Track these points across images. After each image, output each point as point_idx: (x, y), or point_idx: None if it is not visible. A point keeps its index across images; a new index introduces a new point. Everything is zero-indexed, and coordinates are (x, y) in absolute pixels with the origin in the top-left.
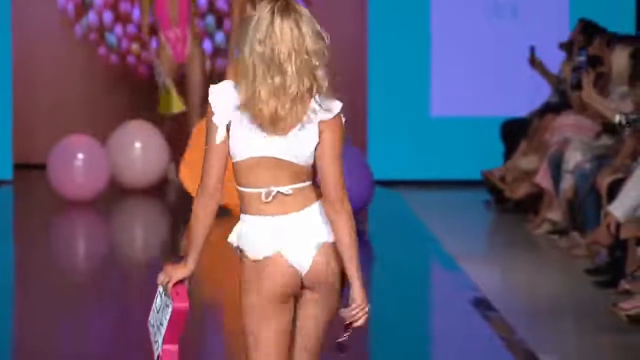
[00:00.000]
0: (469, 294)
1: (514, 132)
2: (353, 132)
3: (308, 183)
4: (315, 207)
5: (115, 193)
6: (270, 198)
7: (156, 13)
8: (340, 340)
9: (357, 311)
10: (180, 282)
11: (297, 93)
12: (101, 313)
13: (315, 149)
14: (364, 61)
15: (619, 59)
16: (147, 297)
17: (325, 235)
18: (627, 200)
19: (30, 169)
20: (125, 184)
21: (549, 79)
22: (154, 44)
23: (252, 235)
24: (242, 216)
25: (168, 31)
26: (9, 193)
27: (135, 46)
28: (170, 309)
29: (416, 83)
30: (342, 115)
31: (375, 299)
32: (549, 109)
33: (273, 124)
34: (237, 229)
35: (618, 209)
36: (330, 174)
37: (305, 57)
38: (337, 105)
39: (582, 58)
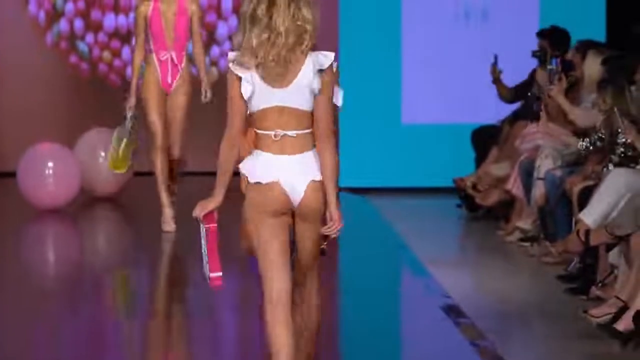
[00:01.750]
0: (439, 300)
1: (485, 139)
2: (338, 162)
3: (309, 130)
4: (312, 153)
5: (85, 200)
6: (278, 138)
7: (151, 32)
8: (321, 247)
9: (333, 226)
10: (211, 211)
11: (283, 46)
12: (73, 320)
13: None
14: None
15: (591, 66)
16: (116, 304)
17: (316, 174)
18: (598, 208)
19: None
20: (95, 191)
21: (500, 91)
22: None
23: (260, 165)
24: (255, 151)
25: (161, 53)
26: None
27: (106, 54)
28: (205, 233)
29: (387, 90)
30: (334, 65)
31: (346, 305)
32: (519, 117)
33: (270, 77)
34: (249, 161)
35: (589, 216)
36: (323, 112)
37: (299, 22)
38: (329, 56)
39: (554, 65)
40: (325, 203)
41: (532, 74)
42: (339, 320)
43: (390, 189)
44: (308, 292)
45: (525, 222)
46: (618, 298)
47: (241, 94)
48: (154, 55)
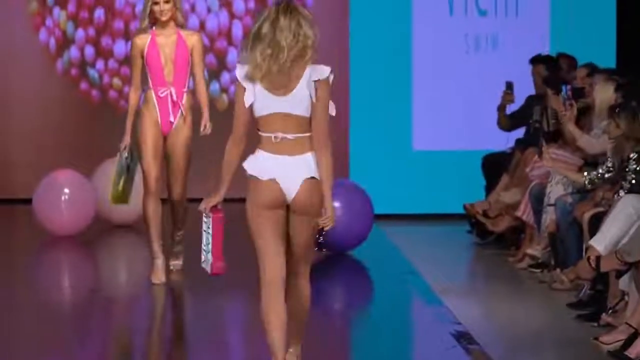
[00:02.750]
0: (450, 327)
1: (495, 166)
2: (333, 165)
3: (308, 134)
4: (309, 155)
5: (101, 227)
6: (278, 140)
7: (148, 66)
8: (320, 241)
9: (327, 219)
10: (215, 206)
11: (286, 60)
12: (86, 348)
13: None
14: (346, 94)
15: (602, 93)
16: (131, 331)
17: (311, 173)
18: (609, 234)
19: (9, 204)
20: (111, 218)
21: (501, 119)
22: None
23: (261, 164)
24: (257, 151)
25: (160, 89)
26: None
27: (116, 81)
28: (211, 222)
29: (398, 117)
30: (330, 77)
31: (356, 332)
32: (529, 144)
33: (273, 87)
34: (251, 159)
35: (600, 243)
36: (320, 118)
37: (300, 39)
38: (326, 70)
39: (564, 92)
40: (320, 200)
41: (529, 101)
42: (349, 346)
43: (400, 215)
44: (300, 281)
45: (535, 249)
46: (629, 325)
47: (244, 102)
48: (152, 92)
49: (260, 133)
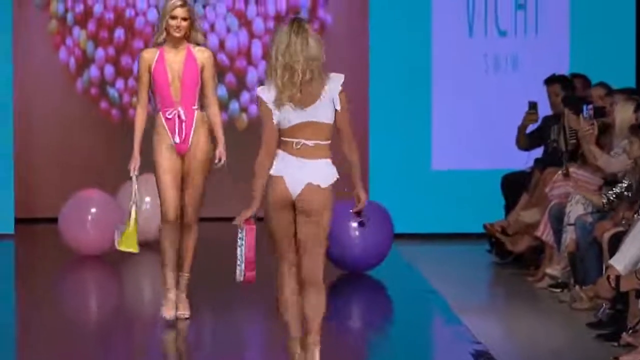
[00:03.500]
0: (469, 346)
1: (515, 185)
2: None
3: (327, 142)
4: (323, 162)
5: None
6: (299, 146)
7: (155, 84)
8: (358, 220)
9: (360, 205)
10: (248, 219)
11: (301, 83)
12: None
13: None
14: (365, 114)
15: (622, 112)
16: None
17: (318, 180)
18: (629, 254)
19: (32, 223)
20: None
21: (520, 138)
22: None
23: (277, 163)
24: (278, 151)
25: (167, 110)
26: (10, 248)
27: (135, 100)
28: (244, 234)
29: (417, 136)
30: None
31: (374, 352)
32: (548, 163)
33: (296, 104)
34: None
35: (619, 262)
36: (344, 123)
37: (310, 61)
38: (341, 78)
39: (586, 111)
40: (321, 206)
41: (546, 121)
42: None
43: (419, 234)
44: (308, 270)
45: (555, 269)
46: None
47: (272, 121)
48: (160, 115)
49: (282, 138)
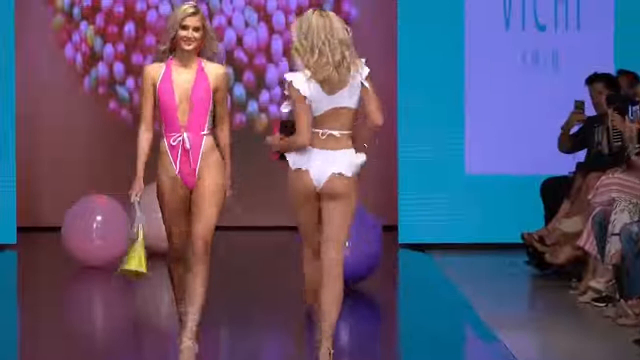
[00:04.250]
0: None
1: (555, 192)
2: (382, 192)
3: (350, 132)
4: (346, 151)
5: None
6: (325, 136)
7: (159, 105)
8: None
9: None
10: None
11: (332, 65)
12: None
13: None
14: (393, 114)
15: None
16: None
17: (341, 169)
18: None
19: (35, 232)
20: (148, 247)
21: (563, 139)
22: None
23: (302, 156)
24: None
25: (172, 136)
26: (13, 259)
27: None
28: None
29: (450, 138)
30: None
31: None
32: (591, 167)
33: (328, 87)
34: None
35: None
36: (372, 103)
37: (336, 42)
38: (363, 62)
39: (633, 111)
40: (345, 191)
41: (589, 122)
42: None
43: (453, 244)
44: (332, 229)
45: (598, 282)
46: None
47: (306, 105)
48: (164, 142)
49: (312, 130)
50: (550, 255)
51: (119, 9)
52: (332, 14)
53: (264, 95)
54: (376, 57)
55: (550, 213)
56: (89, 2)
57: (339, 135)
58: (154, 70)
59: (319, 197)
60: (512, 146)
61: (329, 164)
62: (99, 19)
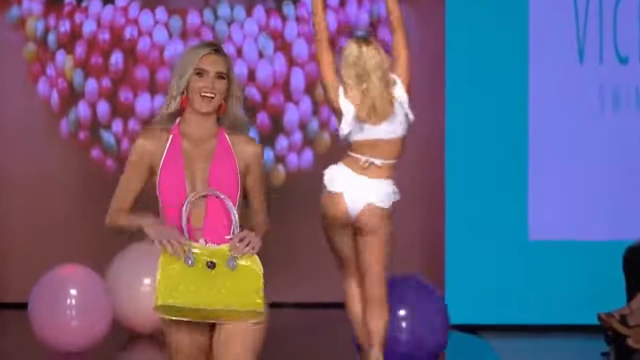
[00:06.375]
0: None
1: None
2: (426, 263)
3: (394, 161)
4: (385, 182)
5: (119, 340)
6: (366, 165)
7: (160, 194)
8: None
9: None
10: None
11: (378, 94)
12: None
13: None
14: (440, 166)
15: None
16: None
17: (378, 201)
18: None
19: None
20: (133, 328)
21: None
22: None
23: (338, 178)
24: (340, 164)
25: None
26: None
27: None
28: None
29: (509, 197)
30: None
31: None
32: None
33: (371, 118)
34: (333, 171)
35: None
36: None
37: (383, 70)
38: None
39: None
40: (378, 224)
41: None
42: None
43: (513, 326)
44: (369, 289)
45: None
46: None
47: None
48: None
49: (348, 151)
50: (634, 340)
51: (104, 35)
52: (372, 40)
53: (282, 142)
54: (420, 92)
55: (634, 287)
56: (67, 28)
57: (380, 165)
58: (152, 144)
59: (354, 225)
60: (586, 206)
61: (366, 192)
62: (80, 48)
